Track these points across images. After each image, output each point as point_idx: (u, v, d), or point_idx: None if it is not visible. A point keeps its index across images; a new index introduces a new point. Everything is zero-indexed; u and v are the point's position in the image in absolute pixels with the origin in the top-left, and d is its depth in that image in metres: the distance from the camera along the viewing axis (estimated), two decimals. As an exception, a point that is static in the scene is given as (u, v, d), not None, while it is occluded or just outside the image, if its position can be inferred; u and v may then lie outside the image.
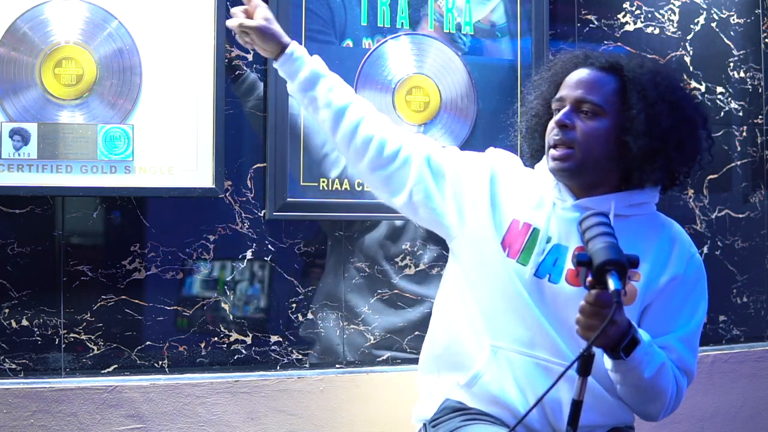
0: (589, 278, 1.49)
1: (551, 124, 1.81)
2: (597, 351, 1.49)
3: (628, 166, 1.78)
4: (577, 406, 1.43)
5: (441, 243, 2.31)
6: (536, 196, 1.83)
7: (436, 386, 1.87)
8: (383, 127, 1.86)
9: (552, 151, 1.78)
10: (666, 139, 1.75)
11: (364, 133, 1.83)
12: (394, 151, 1.82)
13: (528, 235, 1.78)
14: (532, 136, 1.93)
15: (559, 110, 1.80)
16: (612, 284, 1.43)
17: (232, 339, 2.31)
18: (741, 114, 2.98)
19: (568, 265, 1.75)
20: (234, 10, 1.93)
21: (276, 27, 1.90)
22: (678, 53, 2.88)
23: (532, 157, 1.95)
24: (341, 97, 1.88)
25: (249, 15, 1.90)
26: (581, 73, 1.81)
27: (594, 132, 1.76)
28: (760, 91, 3.01)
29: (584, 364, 1.42)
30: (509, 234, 1.79)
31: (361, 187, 2.41)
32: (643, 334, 1.66)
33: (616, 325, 1.58)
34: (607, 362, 1.70)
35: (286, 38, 1.91)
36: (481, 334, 1.78)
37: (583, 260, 1.48)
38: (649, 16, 2.84)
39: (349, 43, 2.44)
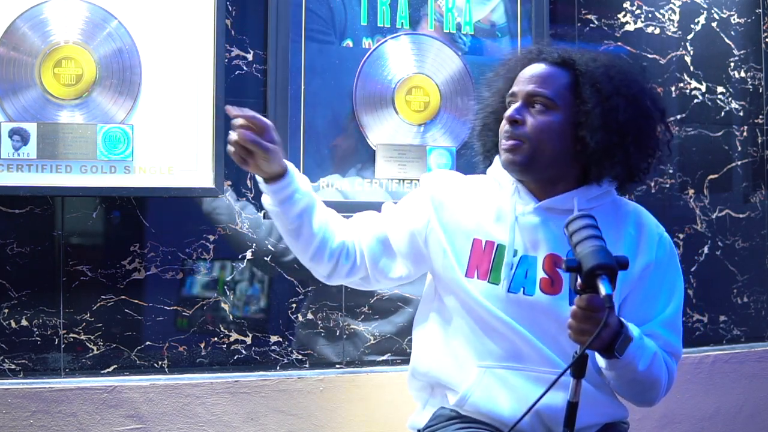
0: (579, 282, 1.48)
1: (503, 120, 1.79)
2: (588, 352, 1.48)
3: (585, 161, 1.75)
4: (572, 407, 1.43)
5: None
6: (493, 208, 1.80)
7: (430, 399, 1.87)
8: (343, 239, 1.83)
9: (502, 142, 1.77)
10: (623, 134, 1.72)
11: (333, 255, 1.81)
12: (351, 258, 1.83)
13: (493, 254, 1.76)
14: (486, 134, 1.89)
15: (511, 105, 1.78)
16: (603, 289, 1.41)
17: (232, 339, 2.31)
18: (741, 114, 2.98)
19: (540, 274, 1.74)
20: (237, 121, 1.67)
21: (280, 148, 1.73)
22: (678, 53, 2.88)
23: (485, 157, 1.92)
24: (321, 228, 1.79)
25: (254, 130, 1.67)
26: (534, 68, 1.79)
27: (545, 126, 1.73)
28: (760, 90, 3.01)
29: (578, 367, 1.41)
30: (474, 256, 1.77)
31: (360, 188, 2.41)
32: (633, 329, 1.65)
33: (609, 327, 1.57)
34: (601, 361, 1.69)
35: (284, 161, 1.74)
36: (465, 358, 1.77)
37: (572, 266, 1.46)
38: (650, 15, 2.84)
39: (349, 43, 2.44)
